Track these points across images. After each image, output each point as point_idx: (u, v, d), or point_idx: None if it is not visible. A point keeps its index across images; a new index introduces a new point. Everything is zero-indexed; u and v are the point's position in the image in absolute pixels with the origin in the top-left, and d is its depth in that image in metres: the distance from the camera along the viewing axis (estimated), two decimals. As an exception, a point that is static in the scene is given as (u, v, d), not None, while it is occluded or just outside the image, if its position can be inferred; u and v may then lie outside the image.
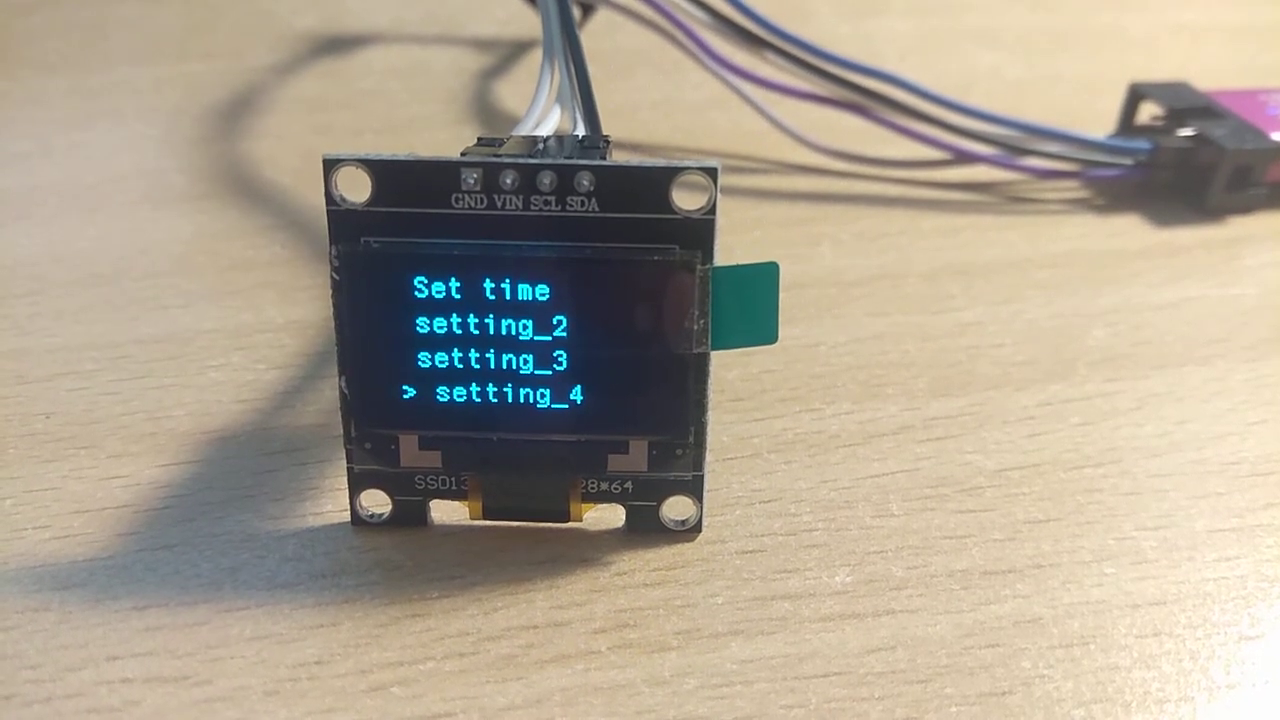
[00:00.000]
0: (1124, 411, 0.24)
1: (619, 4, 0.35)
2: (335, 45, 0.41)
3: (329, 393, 0.24)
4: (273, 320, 0.26)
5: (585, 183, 0.18)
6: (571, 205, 0.18)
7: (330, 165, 0.18)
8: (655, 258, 0.18)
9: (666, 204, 0.18)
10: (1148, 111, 0.34)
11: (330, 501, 0.21)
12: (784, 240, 0.30)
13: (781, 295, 0.19)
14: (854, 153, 0.33)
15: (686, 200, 0.18)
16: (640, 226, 0.18)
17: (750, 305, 0.19)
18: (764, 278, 0.19)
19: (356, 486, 0.20)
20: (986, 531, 0.21)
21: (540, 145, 0.20)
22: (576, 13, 0.32)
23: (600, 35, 0.39)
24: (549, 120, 0.23)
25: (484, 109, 0.37)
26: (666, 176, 0.18)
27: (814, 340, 0.26)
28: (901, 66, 0.32)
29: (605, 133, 0.21)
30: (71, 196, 0.31)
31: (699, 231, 0.18)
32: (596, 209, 0.18)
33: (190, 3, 0.44)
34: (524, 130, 0.22)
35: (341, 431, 0.20)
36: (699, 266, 0.18)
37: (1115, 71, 0.36)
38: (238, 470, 0.22)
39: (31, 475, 0.22)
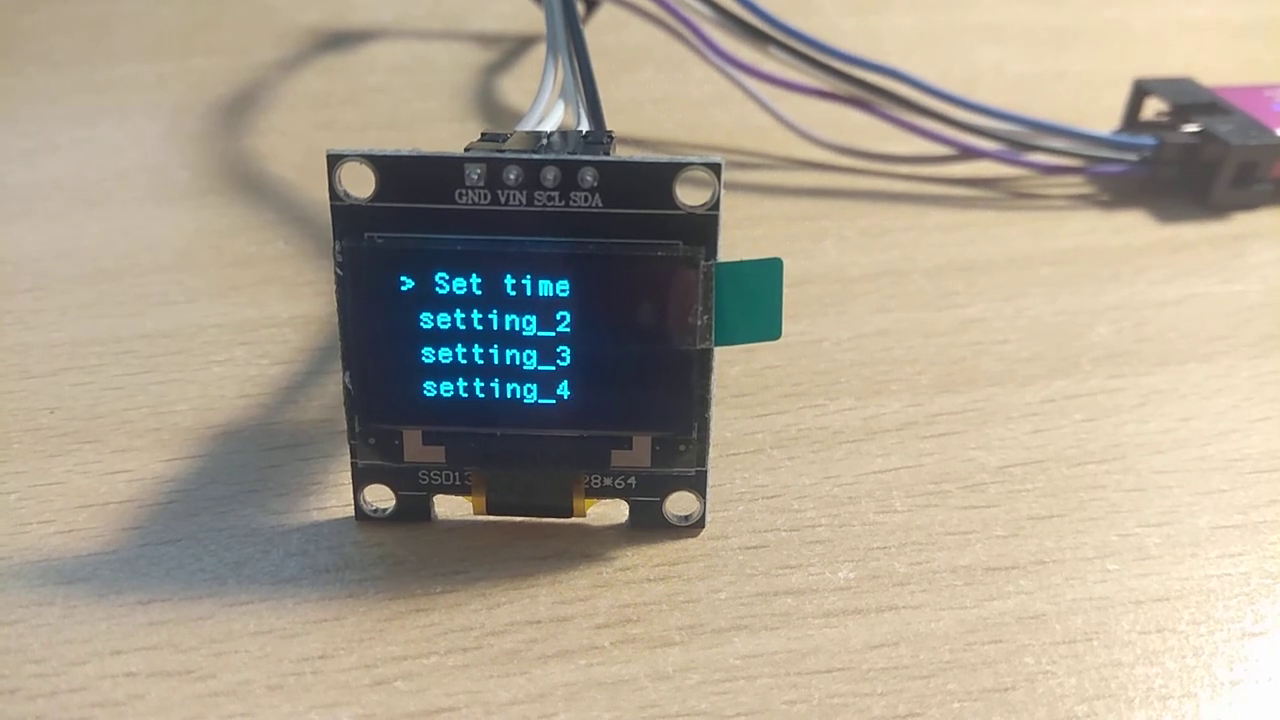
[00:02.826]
0: (1127, 408, 0.24)
1: (623, -1, 0.35)
2: (339, 41, 0.41)
3: (333, 388, 0.24)
4: (276, 315, 0.26)
5: (589, 178, 0.18)
6: (575, 201, 0.18)
7: (334, 160, 0.18)
8: (659, 253, 0.18)
9: (670, 199, 0.18)
10: (1153, 107, 0.34)
11: (334, 496, 0.21)
12: (788, 236, 0.30)
13: (785, 291, 0.19)
14: (858, 148, 0.33)
15: (690, 196, 0.18)
16: (644, 222, 0.18)
17: (754, 301, 0.19)
18: (768, 273, 0.19)
19: (360, 481, 0.20)
20: (989, 528, 0.21)
21: (544, 141, 0.20)
22: (580, 8, 0.32)
23: (604, 31, 0.39)
24: (553, 116, 0.23)
25: (488, 105, 0.37)
26: (670, 172, 0.18)
27: (818, 336, 0.26)
28: (906, 62, 0.32)
29: (609, 128, 0.21)
30: (76, 192, 0.31)
31: (702, 227, 0.18)
32: (600, 204, 0.18)
33: (194, -2, 0.45)
34: (528, 126, 0.22)
35: (345, 427, 0.20)
36: (702, 262, 0.18)
37: (1120, 67, 0.36)
38: (242, 465, 0.22)
39: (36, 470, 0.22)
